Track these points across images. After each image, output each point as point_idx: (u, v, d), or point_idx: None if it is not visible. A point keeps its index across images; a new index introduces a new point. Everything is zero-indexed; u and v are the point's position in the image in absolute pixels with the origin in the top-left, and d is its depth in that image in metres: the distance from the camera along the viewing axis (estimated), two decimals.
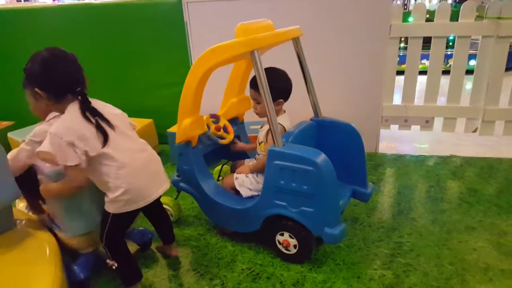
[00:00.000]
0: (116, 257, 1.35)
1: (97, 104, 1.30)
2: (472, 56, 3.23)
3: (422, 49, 2.63)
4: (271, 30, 1.52)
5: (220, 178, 2.01)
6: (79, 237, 1.43)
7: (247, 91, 1.73)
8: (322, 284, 1.44)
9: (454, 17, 2.53)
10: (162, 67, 2.76)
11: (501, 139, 2.73)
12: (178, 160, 1.71)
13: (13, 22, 2.83)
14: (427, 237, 1.69)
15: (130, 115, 1.45)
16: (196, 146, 1.68)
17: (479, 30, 2.53)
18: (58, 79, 1.23)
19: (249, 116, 1.94)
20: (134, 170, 1.29)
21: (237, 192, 1.67)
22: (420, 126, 2.80)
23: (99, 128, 1.23)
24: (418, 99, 2.80)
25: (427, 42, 2.61)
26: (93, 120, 1.23)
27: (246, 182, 1.64)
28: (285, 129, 1.60)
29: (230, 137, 1.80)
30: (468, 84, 2.70)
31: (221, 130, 1.77)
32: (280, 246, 1.56)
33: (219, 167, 2.10)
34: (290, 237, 1.50)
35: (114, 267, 1.35)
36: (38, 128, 1.41)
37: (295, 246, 1.51)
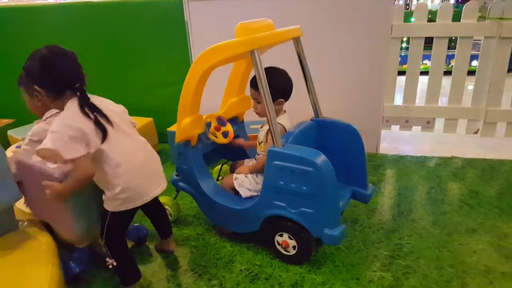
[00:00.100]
0: (116, 256, 1.35)
1: (96, 100, 1.30)
2: (474, 57, 3.22)
3: (424, 49, 2.62)
4: (271, 29, 1.51)
5: (220, 178, 2.00)
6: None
7: (247, 91, 1.73)
8: (321, 286, 1.43)
9: (456, 17, 2.52)
10: (163, 66, 2.75)
11: (503, 140, 2.72)
12: (178, 160, 1.70)
13: (13, 20, 2.83)
14: (427, 239, 1.68)
15: (130, 114, 1.45)
16: (196, 146, 1.67)
17: (481, 30, 2.51)
18: (57, 76, 1.22)
19: (250, 116, 1.93)
20: (132, 168, 1.28)
21: (237, 192, 1.66)
22: (421, 126, 2.79)
23: (98, 124, 1.23)
24: (419, 100, 2.79)
25: (429, 42, 2.60)
26: (91, 116, 1.23)
27: (246, 182, 1.63)
28: (285, 129, 1.59)
29: (222, 140, 1.76)
30: (470, 85, 2.68)
31: (220, 130, 1.76)
32: (279, 247, 1.55)
33: (218, 167, 2.10)
34: (289, 238, 1.50)
35: (112, 266, 1.35)
36: (36, 127, 1.41)
37: (294, 247, 1.50)
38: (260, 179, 1.58)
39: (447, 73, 2.70)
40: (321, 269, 1.51)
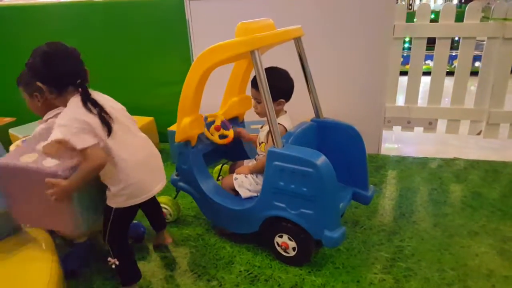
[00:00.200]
0: (118, 256, 1.35)
1: (97, 96, 1.30)
2: (477, 58, 3.20)
3: (427, 49, 2.61)
4: (272, 29, 1.50)
5: (220, 178, 1.99)
6: None
7: (248, 91, 1.72)
8: None
9: (460, 18, 2.50)
10: (164, 65, 2.75)
11: (506, 142, 2.69)
12: (178, 160, 1.70)
13: (15, 19, 2.84)
14: (429, 241, 1.67)
15: (131, 113, 1.43)
16: (196, 146, 1.67)
17: (484, 31, 2.49)
18: (60, 72, 1.22)
19: (250, 116, 1.92)
20: (136, 164, 1.29)
21: (237, 193, 1.65)
22: (423, 127, 2.77)
23: (102, 119, 1.23)
24: (422, 100, 2.77)
25: (431, 42, 2.58)
26: (94, 111, 1.23)
27: (246, 183, 1.63)
28: (286, 130, 1.58)
29: (217, 140, 1.73)
30: (473, 86, 2.66)
31: (219, 131, 1.75)
32: (279, 248, 1.54)
33: (218, 167, 2.09)
34: (289, 239, 1.49)
35: (114, 266, 1.35)
36: (37, 129, 1.40)
37: (294, 249, 1.49)
38: (260, 179, 1.57)
39: (450, 73, 2.68)
40: (321, 271, 1.50)
